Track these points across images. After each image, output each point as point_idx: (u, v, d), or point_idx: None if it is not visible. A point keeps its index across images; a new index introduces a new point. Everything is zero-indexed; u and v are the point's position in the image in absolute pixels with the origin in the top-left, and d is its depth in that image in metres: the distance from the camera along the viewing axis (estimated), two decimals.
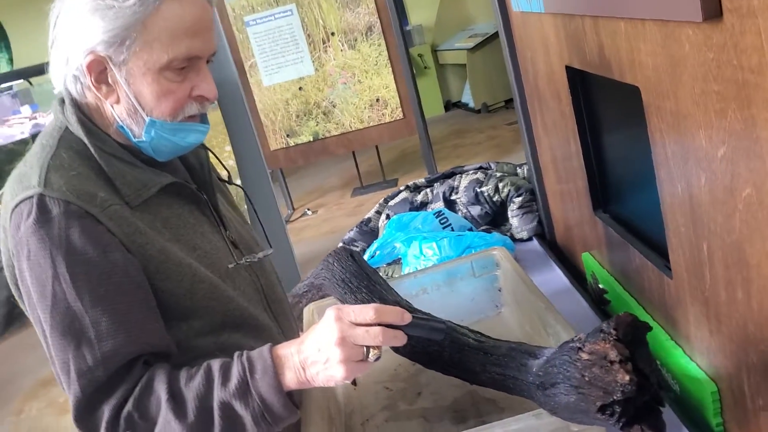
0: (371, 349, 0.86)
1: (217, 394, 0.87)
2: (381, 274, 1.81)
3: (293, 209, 5.99)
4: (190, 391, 0.87)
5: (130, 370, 0.90)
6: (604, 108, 1.26)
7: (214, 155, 1.16)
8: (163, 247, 0.95)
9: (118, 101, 0.95)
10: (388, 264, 1.84)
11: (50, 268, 0.87)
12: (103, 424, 0.87)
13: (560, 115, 1.44)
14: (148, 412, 0.88)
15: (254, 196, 3.84)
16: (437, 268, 1.51)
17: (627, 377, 0.64)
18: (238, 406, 0.86)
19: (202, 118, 1.02)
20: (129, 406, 0.87)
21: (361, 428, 1.22)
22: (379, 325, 0.86)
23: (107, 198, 0.92)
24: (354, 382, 1.08)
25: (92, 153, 0.94)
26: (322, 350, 0.85)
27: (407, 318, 0.88)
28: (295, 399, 0.91)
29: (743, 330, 0.84)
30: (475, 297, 1.46)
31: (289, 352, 0.88)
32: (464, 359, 1.04)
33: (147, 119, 0.95)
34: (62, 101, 0.98)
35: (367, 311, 0.86)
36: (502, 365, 0.96)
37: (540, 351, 0.91)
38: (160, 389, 0.88)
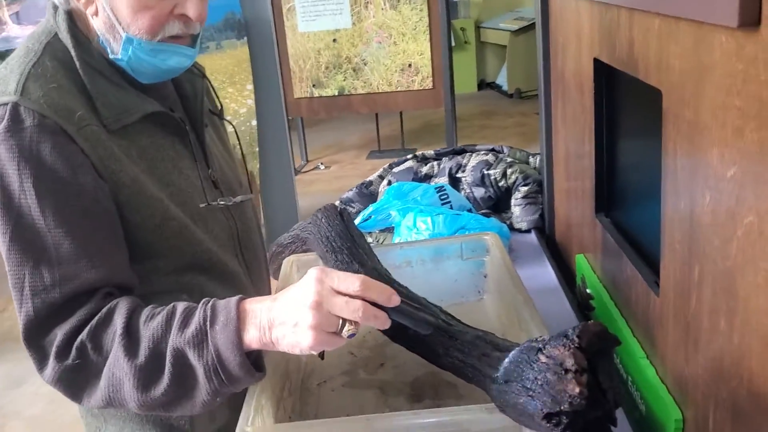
0: (347, 324, 0.78)
1: (173, 339, 0.80)
2: (371, 240, 1.77)
3: (307, 161, 5.96)
4: (147, 330, 0.81)
5: (90, 298, 0.85)
6: (624, 108, 1.20)
7: (211, 87, 1.12)
8: (137, 178, 0.91)
9: (96, 13, 0.90)
10: (381, 231, 1.80)
11: (17, 181, 0.83)
12: (53, 349, 0.82)
13: (580, 108, 1.38)
14: (101, 344, 0.82)
15: (268, 140, 3.81)
16: (426, 243, 1.47)
17: (577, 389, 0.60)
18: (192, 356, 0.80)
19: (192, 41, 0.95)
20: (83, 335, 0.82)
21: (317, 389, 1.20)
22: (362, 299, 0.78)
23: (85, 117, 0.88)
24: (321, 355, 0.99)
25: (77, 66, 0.90)
26: (293, 312, 0.78)
27: (395, 301, 0.81)
28: (261, 362, 0.85)
29: (719, 362, 0.79)
30: (458, 279, 1.42)
31: (259, 308, 0.81)
32: (429, 339, 1.00)
33: (123, 35, 0.89)
34: (56, 6, 0.94)
35: (352, 281, 0.78)
36: (464, 352, 0.92)
37: (506, 345, 0.87)
38: (118, 323, 0.82)
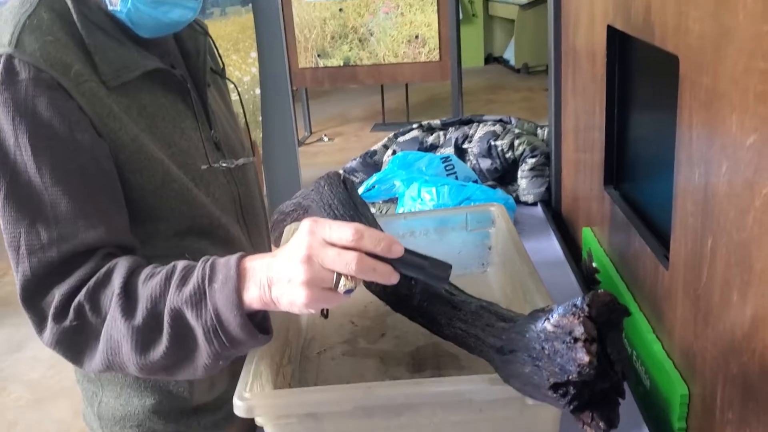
0: (343, 278, 0.71)
1: (171, 298, 0.76)
2: (374, 210, 1.75)
3: (311, 132, 5.92)
4: (146, 289, 0.77)
5: (88, 258, 0.81)
6: (638, 77, 1.16)
7: (214, 45, 1.08)
8: (137, 137, 0.88)
9: None
10: (384, 201, 1.77)
11: (12, 136, 0.80)
12: (51, 310, 0.79)
13: (591, 78, 1.34)
14: (100, 305, 0.78)
15: (272, 110, 3.77)
16: (430, 214, 1.45)
17: (587, 358, 0.57)
18: (190, 316, 0.75)
19: None
20: (81, 296, 0.78)
21: (317, 357, 1.18)
22: (358, 250, 0.70)
23: (83, 72, 0.84)
24: (324, 314, 0.93)
25: (74, 19, 0.86)
26: (286, 267, 0.72)
27: (397, 250, 0.72)
28: (267, 323, 0.80)
29: (730, 336, 0.77)
30: (462, 251, 1.40)
31: (259, 265, 0.75)
32: (432, 309, 0.98)
33: None
34: None
35: (344, 230, 0.70)
36: (468, 322, 0.90)
37: (510, 315, 0.85)
38: (116, 282, 0.78)
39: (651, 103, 1.11)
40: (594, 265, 1.36)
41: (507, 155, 1.80)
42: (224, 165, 1.00)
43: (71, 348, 0.80)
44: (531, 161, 1.76)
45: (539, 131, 1.91)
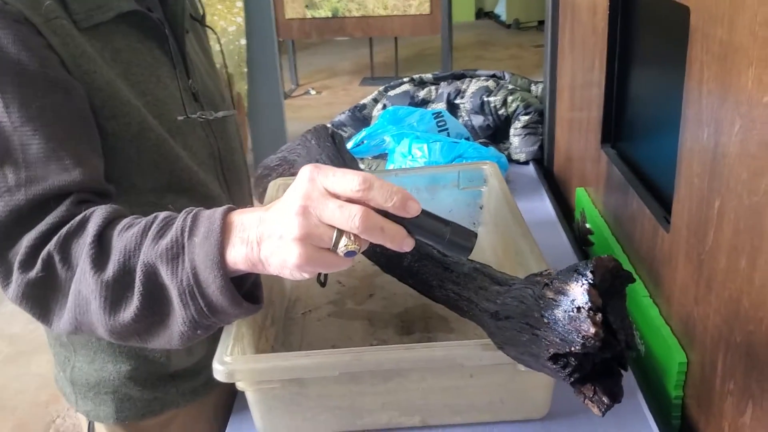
0: (344, 237, 0.59)
1: (145, 252, 0.66)
2: (363, 166, 1.70)
3: (297, 85, 5.81)
4: (121, 241, 0.68)
5: (60, 203, 0.73)
6: (641, 30, 1.11)
7: None
8: (112, 81, 0.81)
9: None
10: (374, 157, 1.72)
11: None
12: (18, 259, 0.71)
13: (591, 31, 1.28)
14: (70, 256, 0.70)
15: (257, 61, 3.67)
16: (422, 171, 1.40)
17: (593, 329, 0.53)
18: (164, 273, 0.65)
19: None
20: (51, 245, 0.70)
21: (302, 318, 1.14)
22: (365, 204, 0.59)
23: (53, 8, 0.77)
24: (322, 281, 0.81)
25: None
26: (279, 221, 0.60)
27: (413, 208, 0.60)
28: (258, 292, 0.72)
29: (735, 304, 0.74)
30: (453, 209, 1.35)
31: (249, 219, 0.64)
32: (423, 270, 0.94)
33: None
34: None
35: (350, 178, 0.58)
36: (460, 284, 0.86)
37: (505, 278, 0.81)
38: (90, 231, 0.70)
39: (655, 58, 1.06)
40: (587, 226, 1.33)
41: (500, 112, 1.74)
42: (202, 117, 0.94)
43: (37, 304, 0.72)
44: (524, 119, 1.70)
45: (533, 87, 1.85)
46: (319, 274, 0.72)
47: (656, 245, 0.98)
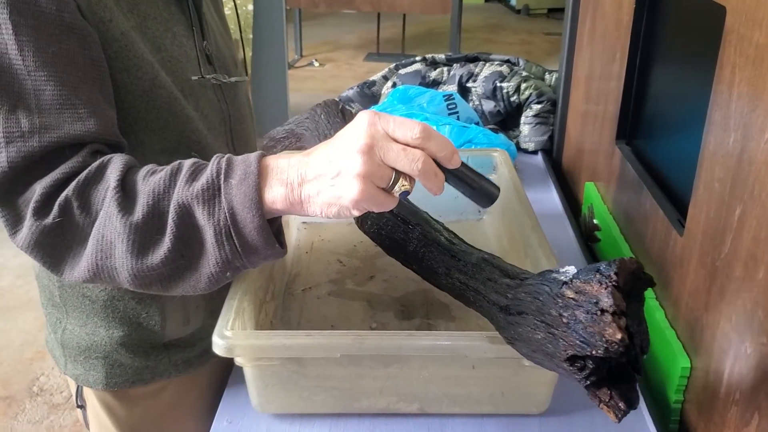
0: (401, 179, 0.64)
1: (178, 193, 0.66)
2: None
3: (301, 56, 5.75)
4: (147, 185, 0.68)
5: (75, 153, 0.71)
6: (670, 27, 1.08)
7: None
8: (127, 32, 0.78)
9: None
10: None
11: None
12: (31, 206, 0.68)
13: (614, 23, 1.26)
14: (90, 202, 0.68)
15: (263, 29, 3.61)
16: None
17: (619, 335, 0.52)
18: (200, 213, 0.66)
19: None
20: (68, 191, 0.68)
21: (301, 294, 1.13)
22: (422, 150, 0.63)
23: None
24: (361, 223, 0.78)
25: None
26: (336, 160, 0.63)
27: (456, 161, 0.66)
28: (282, 237, 0.72)
29: (750, 314, 0.72)
30: (459, 195, 1.32)
31: (286, 163, 0.66)
32: (429, 257, 0.92)
33: None
34: None
35: (411, 126, 0.63)
36: (468, 274, 0.84)
37: (515, 272, 0.79)
38: (111, 177, 0.68)
39: (681, 56, 1.04)
40: (595, 221, 1.31)
41: (512, 98, 1.71)
42: (216, 80, 0.91)
43: (52, 251, 0.70)
44: (536, 107, 1.68)
45: (547, 76, 1.82)
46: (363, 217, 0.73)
47: (668, 247, 0.96)
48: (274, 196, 0.65)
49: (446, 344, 0.79)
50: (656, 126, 1.13)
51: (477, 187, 0.70)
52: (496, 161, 1.29)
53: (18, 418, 2.26)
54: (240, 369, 0.86)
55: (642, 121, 1.18)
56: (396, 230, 0.98)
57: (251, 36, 3.56)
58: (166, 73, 0.83)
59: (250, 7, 3.52)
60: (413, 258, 0.96)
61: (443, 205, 1.31)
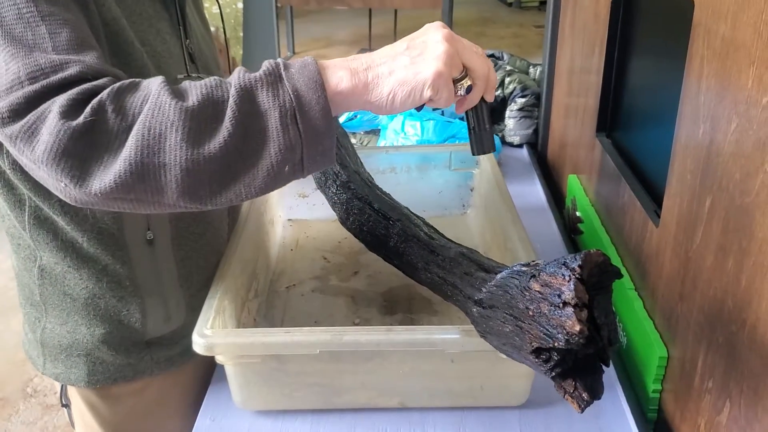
0: (466, 78, 0.70)
1: (236, 81, 0.64)
2: (354, 141, 1.68)
3: (293, 53, 5.74)
4: (196, 86, 0.65)
5: (96, 78, 0.66)
6: (644, 20, 1.09)
7: None
8: (118, 18, 0.78)
9: None
10: (366, 132, 1.70)
11: None
12: (58, 108, 0.62)
13: (593, 16, 1.27)
14: (126, 107, 0.63)
15: (254, 27, 3.61)
16: (413, 149, 1.38)
17: (578, 327, 0.53)
18: (263, 96, 0.63)
19: None
20: (103, 95, 0.63)
21: (285, 292, 1.14)
22: None
23: None
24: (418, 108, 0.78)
25: None
26: (415, 45, 0.68)
27: (490, 97, 0.74)
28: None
29: (719, 304, 0.74)
30: (443, 190, 1.35)
31: (344, 59, 0.68)
32: (408, 251, 0.93)
33: None
34: None
35: (477, 47, 0.71)
36: (445, 269, 0.85)
37: (491, 265, 0.80)
38: (153, 83, 0.65)
39: (656, 50, 1.05)
40: (578, 214, 1.32)
41: (496, 93, 1.72)
42: (200, 79, 0.92)
43: (79, 153, 0.62)
44: (520, 101, 1.69)
45: (531, 70, 1.83)
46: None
47: (645, 238, 0.97)
48: (338, 78, 0.65)
49: (423, 338, 0.80)
50: (634, 118, 1.14)
51: (483, 131, 0.76)
52: (479, 156, 1.30)
53: (12, 419, 2.27)
54: (223, 367, 0.87)
55: (621, 114, 1.19)
56: (377, 226, 0.99)
57: (241, 34, 3.55)
58: (152, 67, 0.83)
59: (240, 4, 3.51)
60: (394, 253, 0.97)
61: (428, 200, 1.32)
